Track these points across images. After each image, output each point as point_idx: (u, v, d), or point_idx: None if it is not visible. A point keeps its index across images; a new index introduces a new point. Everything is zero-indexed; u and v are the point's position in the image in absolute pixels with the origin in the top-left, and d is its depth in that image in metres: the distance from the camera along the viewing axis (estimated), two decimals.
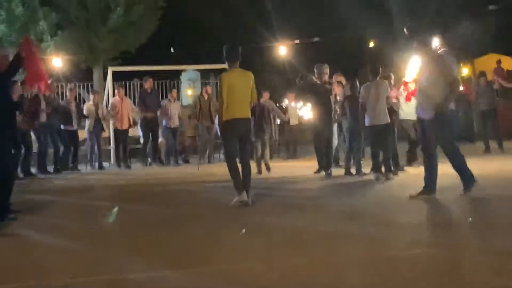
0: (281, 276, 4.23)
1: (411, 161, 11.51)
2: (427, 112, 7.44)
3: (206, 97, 15.76)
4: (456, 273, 4.09)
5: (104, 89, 18.54)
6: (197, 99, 16.13)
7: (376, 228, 5.79)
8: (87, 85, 20.06)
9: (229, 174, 7.67)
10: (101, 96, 17.11)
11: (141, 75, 17.70)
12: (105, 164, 15.16)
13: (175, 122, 15.40)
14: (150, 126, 15.16)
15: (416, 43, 7.59)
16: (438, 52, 7.53)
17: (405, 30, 7.81)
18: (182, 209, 7.78)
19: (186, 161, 15.92)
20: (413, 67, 8.87)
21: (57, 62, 18.73)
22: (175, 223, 6.63)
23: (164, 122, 15.43)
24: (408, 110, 10.55)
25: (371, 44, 27.05)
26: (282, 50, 20.28)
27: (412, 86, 9.89)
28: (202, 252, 5.10)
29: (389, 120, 9.97)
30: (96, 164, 14.76)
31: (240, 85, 7.73)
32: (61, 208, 8.31)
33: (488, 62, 23.02)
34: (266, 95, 14.80)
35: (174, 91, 16.16)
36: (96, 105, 14.63)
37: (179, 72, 21.24)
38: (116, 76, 18.22)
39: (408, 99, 10.25)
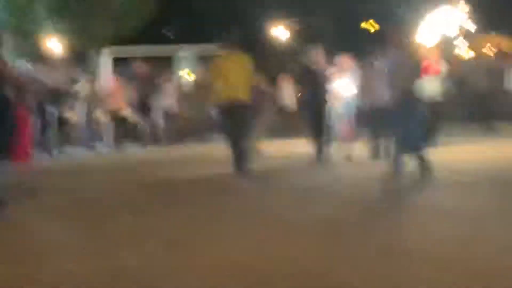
0: (277, 264, 4.28)
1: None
2: (392, 97, 7.46)
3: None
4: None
5: (100, 71, 18.59)
6: (193, 79, 16.21)
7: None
8: (84, 68, 20.07)
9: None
10: (95, 79, 17.13)
11: (138, 57, 17.75)
12: (102, 144, 15.15)
13: (171, 103, 15.43)
14: (144, 108, 15.19)
15: (389, 32, 7.70)
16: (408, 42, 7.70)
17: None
18: (179, 193, 7.82)
19: (182, 142, 15.83)
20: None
21: (54, 45, 18.76)
22: (173, 208, 6.69)
23: (159, 103, 15.47)
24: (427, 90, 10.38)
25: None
26: (279, 30, 20.27)
27: (435, 64, 10.29)
28: (198, 239, 5.16)
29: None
30: (90, 145, 14.75)
31: (235, 69, 7.82)
32: (57, 191, 8.21)
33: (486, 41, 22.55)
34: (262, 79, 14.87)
35: (170, 72, 16.20)
36: (89, 88, 14.64)
37: (175, 53, 21.27)
38: (113, 59, 18.28)
39: (428, 76, 10.14)
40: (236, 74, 7.83)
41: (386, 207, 6.30)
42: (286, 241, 4.93)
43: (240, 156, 7.80)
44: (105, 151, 14.50)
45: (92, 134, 14.84)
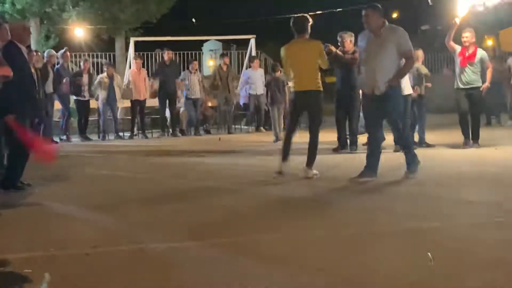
0: (297, 247, 4.28)
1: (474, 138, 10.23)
2: (381, 86, 6.97)
3: (224, 68, 15.70)
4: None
5: (126, 59, 18.54)
6: (216, 70, 16.15)
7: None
8: (109, 55, 20.09)
9: None
10: (118, 68, 17.09)
11: (163, 45, 17.68)
12: (125, 134, 15.20)
13: (196, 93, 15.39)
14: (168, 98, 15.13)
15: (366, 12, 7.05)
16: (390, 25, 7.13)
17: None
18: (201, 180, 7.75)
19: (207, 132, 15.94)
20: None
21: (79, 32, 18.78)
22: (195, 195, 6.64)
23: (185, 93, 15.46)
24: (464, 79, 10.04)
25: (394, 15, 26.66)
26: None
27: (470, 51, 9.89)
28: (222, 223, 5.16)
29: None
30: (108, 134, 14.76)
31: (299, 57, 7.54)
32: (81, 178, 8.31)
33: None
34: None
35: (196, 62, 16.18)
36: (111, 77, 14.61)
37: (201, 43, 21.18)
38: (138, 46, 18.23)
39: (463, 64, 9.97)
40: (300, 63, 7.50)
41: None
42: None
43: (309, 144, 7.47)
44: (127, 138, 14.55)
45: (115, 121, 14.83)
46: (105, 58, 19.73)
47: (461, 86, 10.04)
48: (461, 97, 10.09)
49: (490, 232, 4.54)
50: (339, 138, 10.25)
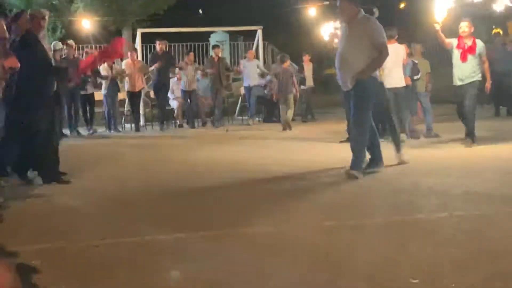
0: (301, 238, 4.34)
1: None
2: (348, 82, 6.73)
3: (216, 59, 15.53)
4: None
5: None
6: (207, 61, 16.00)
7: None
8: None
9: None
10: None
11: (170, 37, 17.62)
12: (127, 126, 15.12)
13: (192, 85, 15.24)
14: (161, 88, 14.92)
15: (340, 1, 6.76)
16: (365, 14, 6.80)
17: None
18: (205, 174, 7.69)
19: (204, 124, 15.67)
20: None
21: (86, 24, 18.78)
22: (201, 189, 6.62)
23: (181, 85, 15.35)
24: (462, 74, 9.15)
25: (402, 5, 26.50)
26: (312, 11, 19.94)
27: (469, 43, 9.06)
28: (228, 215, 5.19)
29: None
30: (116, 125, 14.68)
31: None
32: (86, 172, 8.20)
33: None
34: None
35: (192, 54, 15.99)
36: (111, 67, 14.51)
37: (208, 34, 21.13)
38: (145, 38, 18.19)
39: (463, 58, 9.09)
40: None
41: None
42: None
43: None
44: (125, 131, 14.48)
45: (114, 114, 14.63)
46: None
47: (460, 83, 9.15)
48: (461, 94, 9.18)
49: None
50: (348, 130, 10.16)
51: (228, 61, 17.65)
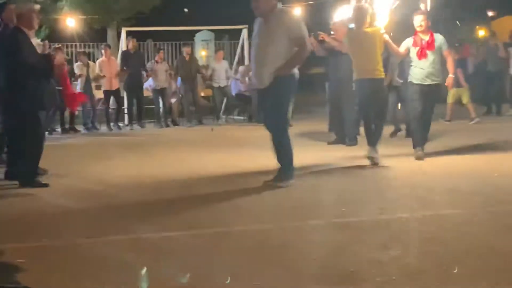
0: (291, 237, 4.34)
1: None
2: (265, 79, 6.22)
3: (187, 58, 15.35)
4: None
5: (118, 49, 18.43)
6: (178, 60, 15.87)
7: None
8: (101, 46, 19.95)
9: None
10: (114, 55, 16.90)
11: (155, 35, 17.57)
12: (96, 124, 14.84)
13: (162, 84, 15.13)
14: (132, 88, 14.74)
15: None
16: (282, 7, 6.41)
17: None
18: (192, 172, 7.63)
19: (175, 123, 15.29)
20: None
21: (71, 22, 18.66)
22: (188, 186, 6.59)
23: (152, 84, 15.14)
24: (421, 73, 7.95)
25: None
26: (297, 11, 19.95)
27: (426, 38, 7.88)
28: (216, 214, 5.19)
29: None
30: (95, 124, 14.43)
31: (362, 45, 7.50)
32: (71, 170, 8.10)
33: (506, 24, 22.52)
34: None
35: (162, 51, 15.88)
36: (86, 65, 14.37)
37: (193, 33, 21.10)
38: (130, 36, 18.10)
39: (422, 55, 7.90)
40: (362, 50, 7.43)
41: None
42: None
43: (374, 132, 7.43)
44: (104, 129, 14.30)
45: (93, 112, 14.41)
46: (97, 48, 19.60)
47: (416, 82, 7.95)
48: (416, 93, 7.95)
49: None
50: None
51: (227, 61, 17.37)
